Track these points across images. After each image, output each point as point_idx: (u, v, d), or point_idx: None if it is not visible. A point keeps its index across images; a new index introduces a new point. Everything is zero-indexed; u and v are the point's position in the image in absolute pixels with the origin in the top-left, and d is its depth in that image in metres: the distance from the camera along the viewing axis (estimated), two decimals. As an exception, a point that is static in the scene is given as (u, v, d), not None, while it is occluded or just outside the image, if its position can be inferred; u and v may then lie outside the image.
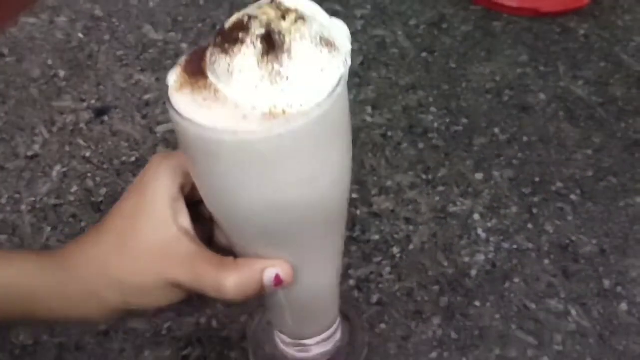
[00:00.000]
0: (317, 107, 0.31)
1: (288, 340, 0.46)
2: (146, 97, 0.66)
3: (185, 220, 0.38)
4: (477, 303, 0.51)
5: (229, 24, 0.31)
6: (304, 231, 0.37)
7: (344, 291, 0.51)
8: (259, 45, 0.30)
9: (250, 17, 0.31)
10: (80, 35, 0.72)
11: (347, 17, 0.72)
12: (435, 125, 0.64)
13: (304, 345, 0.46)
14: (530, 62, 0.70)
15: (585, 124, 0.64)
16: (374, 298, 0.51)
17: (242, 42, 0.30)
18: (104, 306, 0.39)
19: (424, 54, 0.71)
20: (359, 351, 0.48)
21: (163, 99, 0.66)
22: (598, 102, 0.66)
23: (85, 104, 0.65)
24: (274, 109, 0.30)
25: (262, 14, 0.31)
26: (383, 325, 0.50)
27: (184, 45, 0.71)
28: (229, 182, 0.33)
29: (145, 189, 0.38)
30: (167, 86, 0.33)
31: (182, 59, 0.34)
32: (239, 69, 0.30)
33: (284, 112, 0.30)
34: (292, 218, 0.35)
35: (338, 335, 0.47)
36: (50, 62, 0.69)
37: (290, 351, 0.46)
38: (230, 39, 0.30)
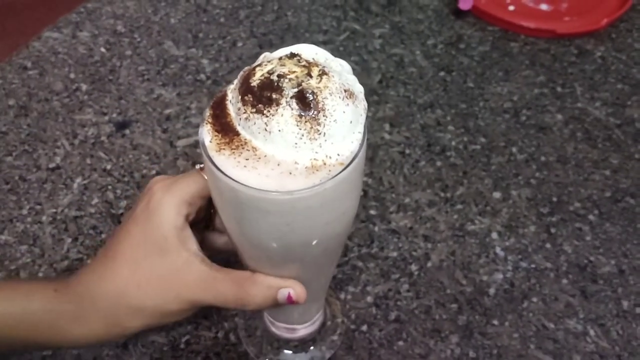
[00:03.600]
0: (352, 154, 0.33)
1: (277, 322, 0.48)
2: (167, 111, 0.67)
3: (193, 245, 0.41)
4: (495, 322, 0.51)
5: (255, 81, 0.32)
6: (317, 258, 0.39)
7: (362, 308, 0.52)
8: (294, 105, 0.31)
9: (279, 77, 0.32)
10: (103, 50, 0.73)
11: (365, 36, 0.73)
12: (453, 143, 0.64)
13: (292, 328, 0.49)
14: (547, 82, 0.70)
15: (602, 144, 0.64)
16: (392, 315, 0.51)
17: (278, 103, 0.31)
18: (126, 332, 0.42)
19: (442, 73, 0.71)
20: (335, 328, 0.51)
21: (183, 114, 0.66)
22: (615, 123, 0.66)
23: (106, 118, 0.66)
24: (314, 161, 0.32)
25: (289, 72, 0.32)
26: (401, 343, 0.50)
27: (205, 61, 0.72)
28: (270, 230, 0.35)
29: (150, 220, 0.40)
30: (204, 146, 0.34)
31: (207, 114, 0.34)
32: (278, 129, 0.31)
33: (324, 163, 0.32)
34: (315, 251, 0.38)
35: (321, 318, 0.50)
36: (72, 75, 0.70)
37: (278, 331, 0.49)
38: (263, 99, 0.32)
